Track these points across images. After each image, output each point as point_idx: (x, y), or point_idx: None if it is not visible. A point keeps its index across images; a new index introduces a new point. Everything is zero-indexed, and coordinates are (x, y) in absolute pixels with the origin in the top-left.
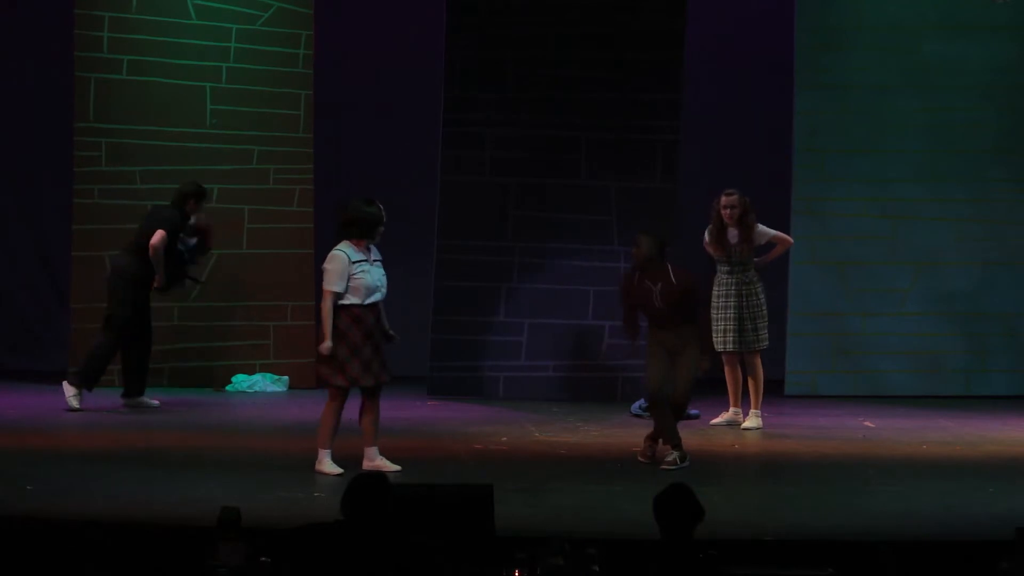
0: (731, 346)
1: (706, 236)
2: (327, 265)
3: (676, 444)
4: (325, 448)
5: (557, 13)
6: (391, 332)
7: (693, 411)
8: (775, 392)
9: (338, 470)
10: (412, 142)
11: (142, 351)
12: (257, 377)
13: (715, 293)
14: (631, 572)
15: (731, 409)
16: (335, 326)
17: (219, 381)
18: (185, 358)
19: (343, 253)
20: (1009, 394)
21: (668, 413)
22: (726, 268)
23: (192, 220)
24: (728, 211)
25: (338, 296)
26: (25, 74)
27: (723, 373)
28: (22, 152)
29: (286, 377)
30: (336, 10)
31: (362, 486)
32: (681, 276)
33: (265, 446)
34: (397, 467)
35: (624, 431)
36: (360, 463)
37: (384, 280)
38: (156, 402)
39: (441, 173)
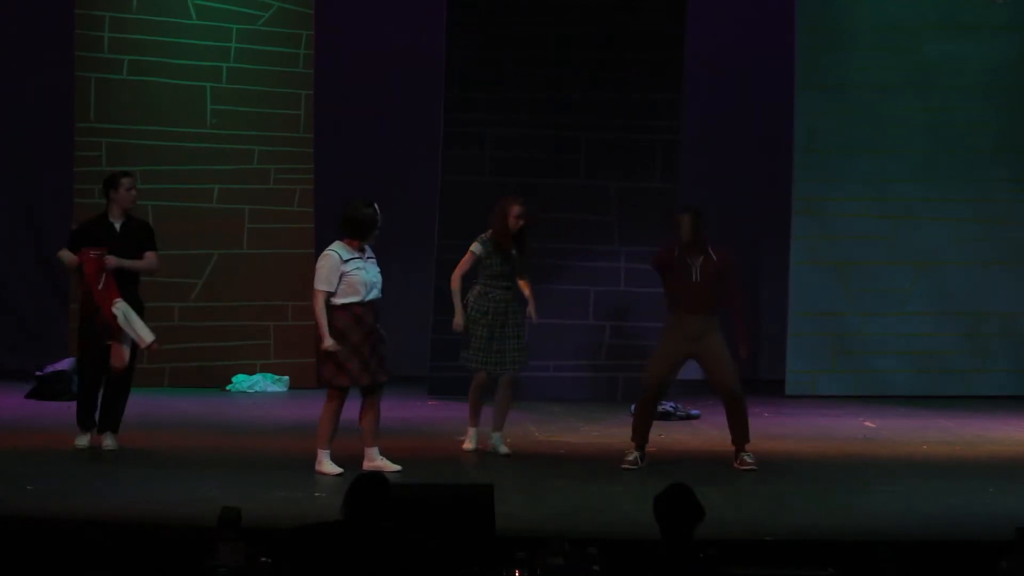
0: (495, 367)
1: (477, 249)
2: (318, 264)
3: (641, 444)
4: (324, 448)
5: (557, 13)
6: (382, 333)
7: (694, 411)
8: (776, 392)
9: (338, 470)
10: (412, 142)
11: (108, 385)
12: (257, 377)
13: (481, 309)
14: (631, 572)
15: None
16: (335, 326)
17: (219, 381)
18: (185, 358)
19: (334, 252)
20: (1009, 394)
21: (651, 414)
22: (505, 283)
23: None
24: (522, 221)
25: (329, 295)
26: (25, 74)
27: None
28: (22, 152)
29: (286, 377)
30: (337, 10)
31: (362, 486)
32: (720, 252)
33: (265, 446)
34: (397, 467)
35: (624, 431)
36: (360, 463)
37: (379, 278)
38: (112, 444)
39: (441, 173)
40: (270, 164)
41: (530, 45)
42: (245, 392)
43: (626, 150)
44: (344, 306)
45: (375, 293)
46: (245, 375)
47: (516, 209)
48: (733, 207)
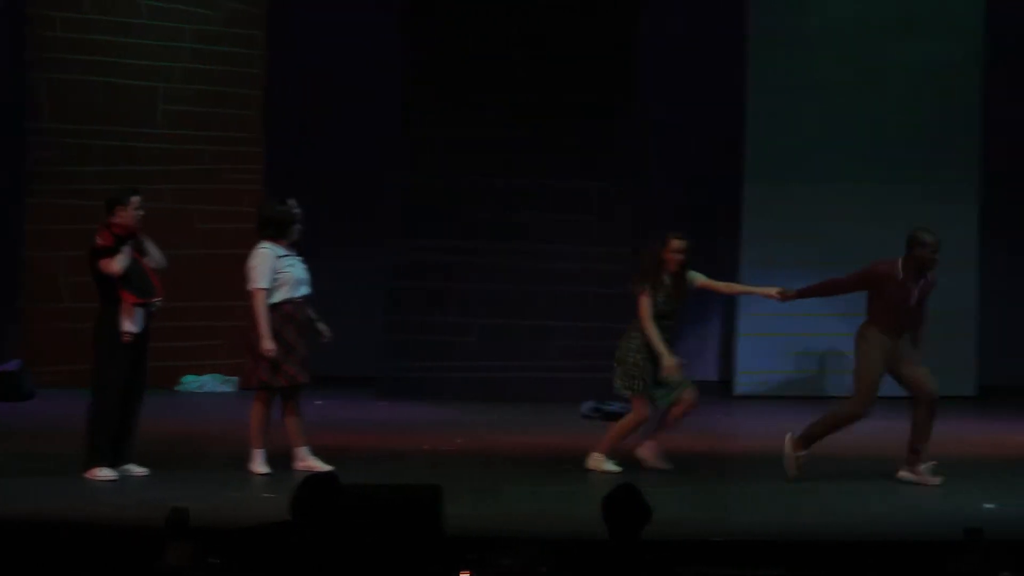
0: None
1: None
2: (252, 263)
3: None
4: (259, 448)
5: (520, 13)
6: (323, 328)
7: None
8: (724, 392)
9: (266, 470)
10: (372, 142)
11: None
12: (207, 378)
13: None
14: (580, 572)
15: None
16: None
17: (169, 381)
18: None
19: (268, 249)
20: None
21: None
22: (667, 323)
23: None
24: (680, 256)
25: (267, 293)
26: None
27: None
28: None
29: (235, 378)
30: (290, 10)
31: (311, 487)
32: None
33: (214, 447)
34: (329, 467)
35: (575, 433)
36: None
37: (307, 274)
38: (143, 471)
39: (401, 173)
40: (221, 164)
41: (489, 46)
42: (194, 392)
43: (591, 151)
44: (275, 305)
45: (304, 290)
46: (194, 375)
47: (675, 244)
48: (685, 206)
